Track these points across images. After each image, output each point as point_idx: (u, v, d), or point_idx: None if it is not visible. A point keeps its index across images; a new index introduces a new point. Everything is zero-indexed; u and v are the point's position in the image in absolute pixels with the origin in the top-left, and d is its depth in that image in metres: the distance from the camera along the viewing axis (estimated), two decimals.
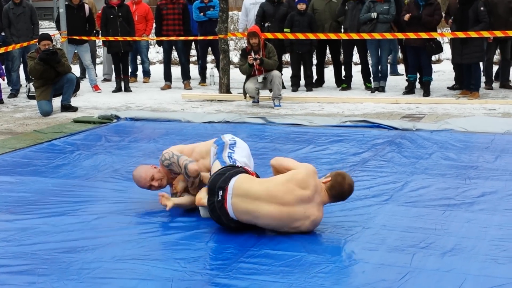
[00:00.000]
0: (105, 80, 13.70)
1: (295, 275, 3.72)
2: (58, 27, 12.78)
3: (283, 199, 4.16)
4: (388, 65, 11.71)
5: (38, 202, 5.20)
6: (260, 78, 9.99)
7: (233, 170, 4.37)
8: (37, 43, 10.25)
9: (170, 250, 4.14)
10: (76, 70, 14.11)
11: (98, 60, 14.95)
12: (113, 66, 12.56)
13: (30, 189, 5.59)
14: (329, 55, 12.61)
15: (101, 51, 14.73)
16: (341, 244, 4.16)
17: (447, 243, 4.14)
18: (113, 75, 12.81)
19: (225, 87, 11.22)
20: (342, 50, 11.92)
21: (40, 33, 11.22)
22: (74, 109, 10.14)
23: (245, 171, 4.44)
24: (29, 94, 11.54)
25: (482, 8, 9.88)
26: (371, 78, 11.45)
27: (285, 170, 4.38)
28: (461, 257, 3.92)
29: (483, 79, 10.74)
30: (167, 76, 12.64)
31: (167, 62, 12.67)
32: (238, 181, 4.26)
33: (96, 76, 13.11)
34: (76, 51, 12.54)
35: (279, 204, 4.17)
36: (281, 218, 4.19)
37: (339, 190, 4.31)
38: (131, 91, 12.12)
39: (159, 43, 13.35)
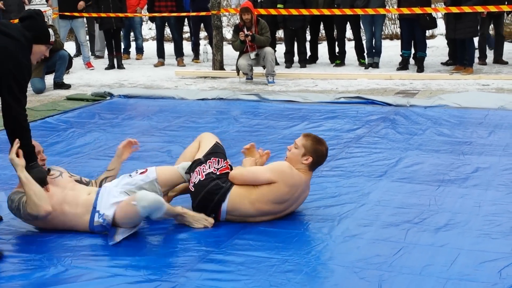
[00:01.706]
0: (97, 57, 13.63)
1: (290, 251, 3.73)
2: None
3: (277, 211, 4.15)
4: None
5: None
6: (252, 55, 9.95)
7: (220, 192, 4.11)
8: None
9: (165, 228, 4.14)
10: (72, 47, 14.03)
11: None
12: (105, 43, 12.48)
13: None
14: (323, 31, 12.56)
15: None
16: (336, 220, 4.18)
17: (441, 218, 4.16)
18: (106, 52, 12.74)
19: (218, 64, 11.18)
20: (335, 26, 11.87)
21: (32, 9, 11.12)
22: (67, 86, 10.09)
23: (230, 182, 4.14)
24: None
25: None
26: (365, 54, 11.43)
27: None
28: (455, 232, 3.94)
29: (476, 54, 10.72)
30: (160, 52, 12.59)
31: (159, 39, 12.61)
32: (230, 204, 4.12)
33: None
34: (71, 27, 12.33)
35: (273, 214, 4.16)
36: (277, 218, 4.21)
37: (321, 161, 4.24)
38: (124, 68, 12.07)
39: (151, 19, 13.26)
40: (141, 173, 4.22)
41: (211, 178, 4.15)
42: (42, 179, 3.94)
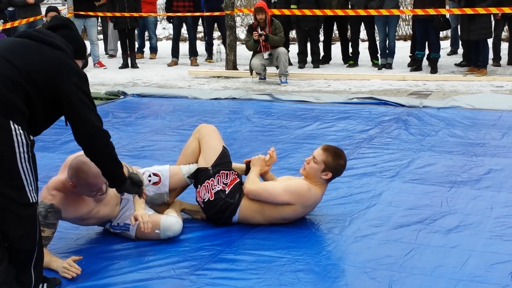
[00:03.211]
0: (110, 56, 13.69)
1: (301, 250, 3.74)
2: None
3: (289, 221, 4.15)
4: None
5: (46, 177, 5.21)
6: (265, 55, 9.97)
7: (230, 208, 4.07)
8: (43, 18, 10.23)
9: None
10: (87, 45, 14.06)
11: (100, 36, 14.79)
12: (119, 42, 12.53)
13: (38, 164, 5.57)
14: (336, 32, 12.55)
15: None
16: (347, 220, 4.18)
17: (452, 220, 4.15)
18: (119, 51, 12.79)
19: (231, 64, 11.20)
20: (349, 27, 11.86)
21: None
22: None
23: (239, 195, 4.11)
24: None
25: None
26: (378, 55, 11.40)
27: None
28: (467, 233, 3.94)
29: (491, 55, 10.67)
30: (175, 52, 12.62)
31: (176, 38, 12.63)
32: (240, 217, 4.11)
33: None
34: (83, 26, 12.38)
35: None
36: None
37: (340, 174, 4.18)
38: (138, 67, 12.12)
39: (168, 19, 13.30)
40: (154, 183, 4.17)
41: (220, 198, 4.09)
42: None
